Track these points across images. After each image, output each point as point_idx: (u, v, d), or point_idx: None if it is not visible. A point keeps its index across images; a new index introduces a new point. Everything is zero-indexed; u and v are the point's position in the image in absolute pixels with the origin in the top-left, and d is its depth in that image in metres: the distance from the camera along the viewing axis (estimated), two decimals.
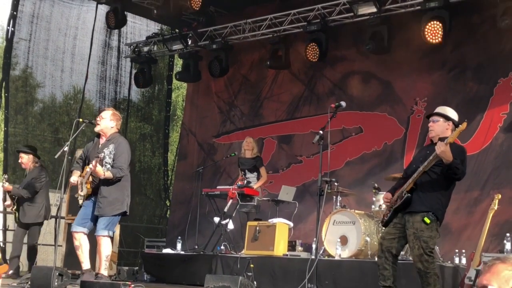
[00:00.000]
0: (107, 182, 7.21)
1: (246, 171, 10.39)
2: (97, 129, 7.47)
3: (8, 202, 9.69)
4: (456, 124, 6.07)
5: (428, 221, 5.80)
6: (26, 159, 9.71)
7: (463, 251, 8.07)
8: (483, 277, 2.43)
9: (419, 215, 5.87)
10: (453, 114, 6.18)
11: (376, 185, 8.89)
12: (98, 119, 7.48)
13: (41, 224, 9.66)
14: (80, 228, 7.29)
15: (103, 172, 7.04)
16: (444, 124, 6.07)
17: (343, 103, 6.77)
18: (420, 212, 5.88)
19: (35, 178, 9.54)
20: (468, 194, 8.98)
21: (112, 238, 7.43)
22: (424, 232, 5.83)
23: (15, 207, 9.52)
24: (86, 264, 7.35)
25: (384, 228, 6.46)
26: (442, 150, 5.66)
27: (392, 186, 6.44)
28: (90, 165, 7.10)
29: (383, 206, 8.56)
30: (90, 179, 7.24)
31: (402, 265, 7.73)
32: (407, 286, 7.42)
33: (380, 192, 8.75)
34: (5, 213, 11.10)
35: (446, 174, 5.87)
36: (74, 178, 7.38)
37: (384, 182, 9.03)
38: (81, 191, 7.33)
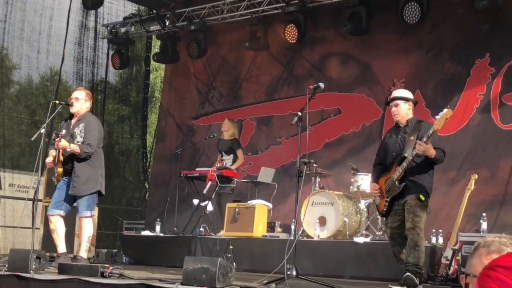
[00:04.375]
0: (79, 160, 7.22)
1: (223, 153, 10.38)
2: (73, 110, 7.48)
3: None
4: (414, 103, 6.60)
5: (423, 198, 6.22)
6: None
7: (440, 230, 8.15)
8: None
9: (414, 194, 6.25)
10: (410, 94, 6.69)
11: (354, 166, 8.94)
12: (73, 100, 7.46)
13: None
14: (56, 211, 7.30)
15: (68, 144, 7.04)
16: (405, 106, 6.51)
17: (321, 85, 6.77)
18: (415, 193, 6.26)
19: None
20: (445, 174, 9.04)
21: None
22: (418, 208, 6.21)
23: None
24: (62, 248, 7.37)
25: (384, 218, 6.86)
26: (423, 150, 6.08)
27: (374, 176, 6.78)
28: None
29: (362, 187, 8.65)
30: (61, 157, 7.22)
31: (381, 245, 7.82)
32: (385, 265, 7.51)
33: (359, 173, 8.81)
34: None
35: (430, 161, 6.29)
36: (50, 158, 7.36)
37: (362, 163, 9.08)
38: (56, 173, 7.33)
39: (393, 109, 6.53)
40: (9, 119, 12.59)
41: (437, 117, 6.03)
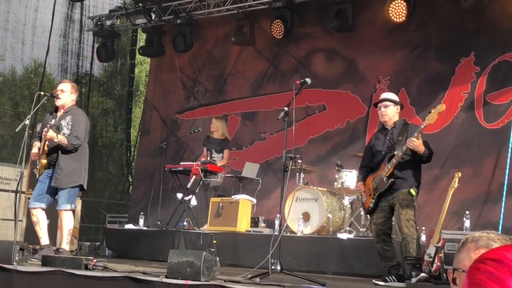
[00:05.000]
0: (64, 152, 7.18)
1: (213, 151, 10.37)
2: (59, 102, 7.42)
3: None
4: (401, 107, 6.77)
5: (413, 192, 6.35)
6: None
7: (423, 228, 8.19)
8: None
9: (405, 189, 6.36)
10: (397, 98, 6.86)
11: (338, 162, 8.97)
12: (58, 93, 7.41)
13: None
14: (38, 204, 7.26)
15: (56, 135, 7.01)
16: (394, 108, 6.67)
17: (308, 80, 6.78)
18: (404, 189, 6.37)
19: None
20: (429, 172, 9.06)
21: (73, 212, 7.41)
22: (409, 202, 6.34)
23: None
24: (44, 240, 7.34)
25: (369, 216, 6.99)
26: (415, 145, 6.21)
27: (361, 177, 6.88)
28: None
29: (346, 183, 8.67)
30: (46, 149, 7.18)
31: (364, 241, 7.86)
32: (368, 261, 7.53)
33: (343, 169, 8.84)
34: None
35: (418, 159, 6.42)
36: (35, 149, 7.32)
37: (346, 159, 9.12)
38: (38, 165, 7.27)
39: (382, 109, 6.65)
40: None
41: (433, 110, 6.17)
